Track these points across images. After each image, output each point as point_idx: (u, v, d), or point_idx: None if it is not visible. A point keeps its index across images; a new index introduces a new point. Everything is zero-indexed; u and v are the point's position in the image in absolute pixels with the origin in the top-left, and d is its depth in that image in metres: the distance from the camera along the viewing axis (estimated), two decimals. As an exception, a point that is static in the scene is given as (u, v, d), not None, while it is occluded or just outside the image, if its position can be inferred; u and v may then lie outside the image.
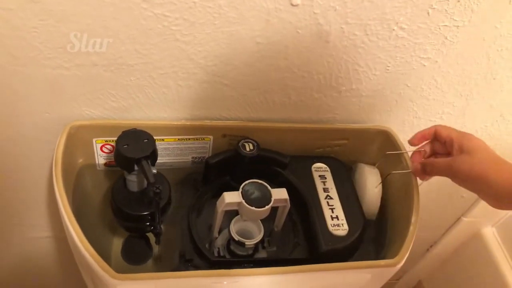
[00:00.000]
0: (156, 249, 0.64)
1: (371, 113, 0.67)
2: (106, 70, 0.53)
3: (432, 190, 0.89)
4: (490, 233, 1.00)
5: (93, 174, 0.62)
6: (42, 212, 0.73)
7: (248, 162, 0.61)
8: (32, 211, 0.73)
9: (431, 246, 1.09)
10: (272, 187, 0.55)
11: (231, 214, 0.57)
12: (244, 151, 0.60)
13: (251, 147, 0.61)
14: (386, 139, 0.67)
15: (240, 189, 0.54)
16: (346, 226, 0.58)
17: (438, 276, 1.19)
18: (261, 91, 0.60)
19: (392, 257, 0.53)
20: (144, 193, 0.58)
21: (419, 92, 0.65)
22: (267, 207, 0.53)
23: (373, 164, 0.67)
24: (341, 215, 0.59)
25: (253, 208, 0.52)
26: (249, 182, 0.55)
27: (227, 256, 0.59)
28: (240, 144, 0.61)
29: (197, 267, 0.55)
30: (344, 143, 0.68)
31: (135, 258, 0.66)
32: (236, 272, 0.47)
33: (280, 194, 0.55)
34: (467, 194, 0.91)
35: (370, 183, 0.63)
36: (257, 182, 0.55)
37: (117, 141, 0.53)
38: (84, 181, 0.61)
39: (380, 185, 0.63)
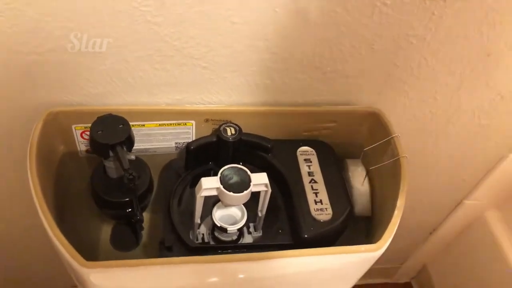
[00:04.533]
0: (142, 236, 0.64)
1: (359, 94, 0.65)
2: (78, 55, 0.52)
3: (431, 173, 0.86)
4: (493, 216, 0.97)
5: (76, 161, 0.62)
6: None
7: (230, 147, 0.60)
8: (20, 199, 0.73)
9: (434, 230, 1.07)
10: (256, 172, 0.54)
11: (216, 199, 0.56)
12: (226, 135, 0.59)
13: (233, 132, 0.59)
14: (376, 121, 0.64)
15: (219, 174, 0.53)
16: (330, 211, 0.56)
17: (442, 260, 1.17)
18: (242, 73, 0.58)
19: (375, 242, 0.51)
20: (123, 180, 0.57)
21: (409, 71, 0.62)
22: (245, 192, 0.52)
23: (361, 149, 0.65)
24: (325, 200, 0.57)
25: (231, 193, 0.51)
26: (228, 167, 0.53)
27: (212, 243, 0.59)
28: (221, 128, 0.59)
29: (177, 255, 0.54)
30: (332, 126, 0.66)
31: (123, 244, 0.66)
32: (209, 259, 0.46)
33: (260, 179, 0.53)
34: (469, 177, 0.89)
35: (356, 182, 0.61)
36: (236, 167, 0.54)
37: (91, 127, 0.52)
38: (67, 169, 0.61)
39: (367, 180, 0.62)
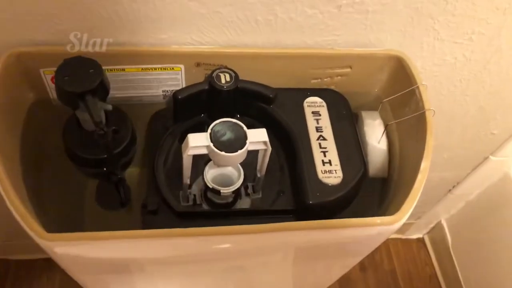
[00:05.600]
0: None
1: (380, 34, 0.54)
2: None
3: (457, 126, 0.77)
4: (522, 174, 0.89)
5: (49, 110, 0.54)
6: None
7: (224, 97, 0.51)
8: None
9: (453, 187, 0.99)
10: (256, 127, 0.46)
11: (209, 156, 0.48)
12: (219, 83, 0.50)
13: (228, 79, 0.50)
14: (399, 67, 0.55)
15: (209, 130, 0.44)
16: (340, 173, 0.48)
17: (460, 217, 1.10)
18: (239, 7, 0.48)
19: (393, 212, 0.43)
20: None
21: (442, 5, 0.51)
22: (240, 152, 0.43)
23: (379, 100, 0.56)
24: (335, 160, 0.49)
25: (223, 153, 0.43)
26: (220, 122, 0.45)
27: (204, 205, 0.52)
28: (214, 75, 0.50)
29: (161, 219, 0.47)
30: (346, 72, 0.56)
31: (109, 203, 0.60)
32: (184, 232, 0.39)
33: (257, 135, 0.45)
34: (499, 131, 0.79)
35: (372, 138, 0.52)
36: (230, 122, 0.45)
37: (56, 72, 0.43)
38: (39, 120, 0.53)
39: (385, 136, 0.53)
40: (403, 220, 0.42)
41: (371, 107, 0.59)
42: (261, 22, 0.50)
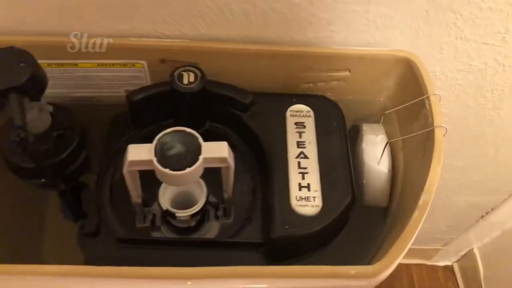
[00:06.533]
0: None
1: (387, 32, 0.44)
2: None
3: (488, 144, 0.65)
4: None
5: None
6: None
7: (189, 100, 0.43)
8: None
9: (487, 213, 0.86)
10: (230, 138, 0.38)
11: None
12: (180, 84, 0.42)
13: (192, 79, 0.42)
14: (408, 72, 0.45)
15: (155, 141, 0.36)
16: (318, 202, 0.38)
17: (495, 247, 0.97)
18: (208, -6, 0.40)
19: (381, 256, 0.34)
20: (46, 137, 0.43)
21: (466, -4, 0.41)
22: (188, 170, 0.35)
23: (382, 112, 0.46)
24: (315, 184, 0.39)
25: (167, 170, 0.35)
26: (170, 132, 0.37)
27: (163, 228, 0.44)
28: (176, 74, 0.42)
29: (100, 245, 0.40)
30: (344, 76, 0.47)
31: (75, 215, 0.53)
32: (100, 271, 0.31)
33: (215, 150, 0.36)
34: (543, 153, 0.66)
35: (371, 158, 0.43)
36: (183, 132, 0.37)
37: (-20, 65, 0.37)
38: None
39: (386, 155, 0.43)
40: (389, 271, 0.32)
41: (376, 120, 0.49)
42: (237, 11, 0.42)
